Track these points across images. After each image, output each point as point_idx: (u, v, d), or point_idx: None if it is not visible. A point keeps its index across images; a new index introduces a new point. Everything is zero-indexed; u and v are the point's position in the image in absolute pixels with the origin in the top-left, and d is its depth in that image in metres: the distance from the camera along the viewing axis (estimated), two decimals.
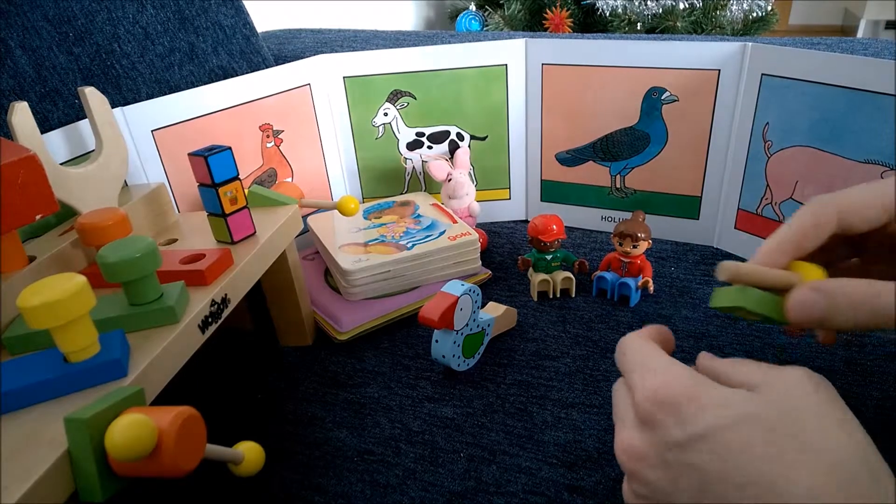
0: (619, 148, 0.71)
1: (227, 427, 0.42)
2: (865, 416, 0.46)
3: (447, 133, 0.76)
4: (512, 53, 0.71)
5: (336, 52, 0.72)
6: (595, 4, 1.65)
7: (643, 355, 0.32)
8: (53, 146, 0.51)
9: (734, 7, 1.64)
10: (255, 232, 0.50)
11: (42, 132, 0.46)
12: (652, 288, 0.61)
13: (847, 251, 0.36)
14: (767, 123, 0.62)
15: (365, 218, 0.70)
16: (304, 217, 0.71)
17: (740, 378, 0.29)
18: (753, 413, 0.26)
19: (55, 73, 0.58)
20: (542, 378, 0.52)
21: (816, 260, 0.33)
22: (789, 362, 0.52)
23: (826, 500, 0.23)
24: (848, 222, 0.31)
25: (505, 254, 0.72)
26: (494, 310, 0.57)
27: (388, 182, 0.78)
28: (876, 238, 0.33)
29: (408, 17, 2.25)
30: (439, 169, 0.72)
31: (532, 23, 1.82)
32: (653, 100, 0.67)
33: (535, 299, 0.63)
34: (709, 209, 0.70)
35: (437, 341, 0.52)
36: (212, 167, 0.46)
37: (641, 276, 0.60)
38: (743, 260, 0.31)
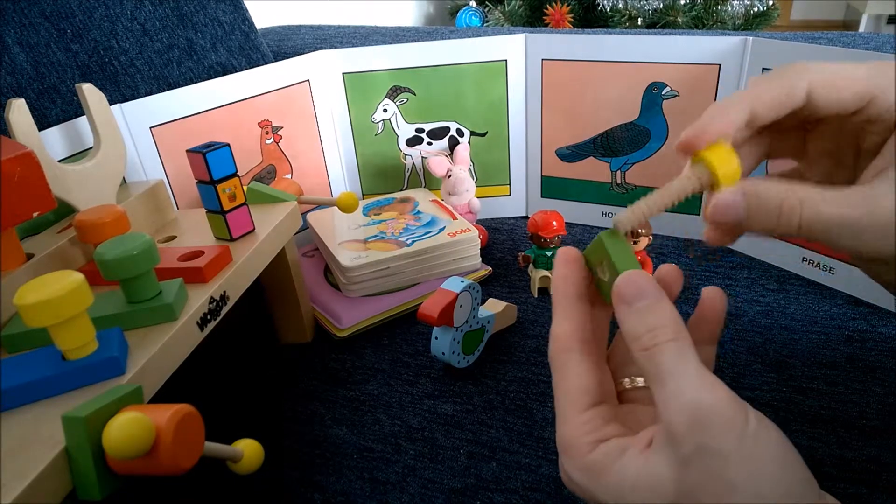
0: (619, 143, 0.71)
1: (225, 424, 0.42)
2: (867, 412, 0.46)
3: (447, 129, 0.75)
4: (512, 49, 0.71)
5: (335, 48, 0.72)
6: (595, 0, 1.65)
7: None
8: (51, 143, 0.51)
9: (735, 2, 1.63)
10: (254, 229, 0.50)
11: (40, 129, 0.46)
12: None
13: (790, 144, 0.31)
14: None
15: (364, 214, 0.69)
16: (304, 214, 0.70)
17: (670, 416, 0.24)
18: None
19: (53, 69, 0.58)
20: (542, 375, 0.52)
21: (757, 145, 0.30)
22: (790, 359, 0.52)
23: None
24: (817, 99, 0.26)
25: (505, 250, 0.72)
26: (494, 306, 0.57)
27: (387, 178, 0.78)
28: (827, 132, 0.29)
29: (408, 14, 2.24)
30: (439, 165, 0.71)
31: (532, 18, 1.81)
32: (653, 95, 0.67)
33: (536, 295, 0.63)
34: None
35: (436, 338, 0.52)
36: (210, 164, 0.46)
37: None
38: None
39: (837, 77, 0.26)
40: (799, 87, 0.26)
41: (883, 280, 0.28)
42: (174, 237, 0.51)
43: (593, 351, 0.29)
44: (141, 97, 0.58)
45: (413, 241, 0.62)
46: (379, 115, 0.74)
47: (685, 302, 0.60)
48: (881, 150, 0.26)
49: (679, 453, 0.23)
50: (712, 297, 0.31)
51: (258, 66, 0.68)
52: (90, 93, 0.49)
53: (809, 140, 0.30)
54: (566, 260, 0.29)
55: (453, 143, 0.76)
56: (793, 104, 0.26)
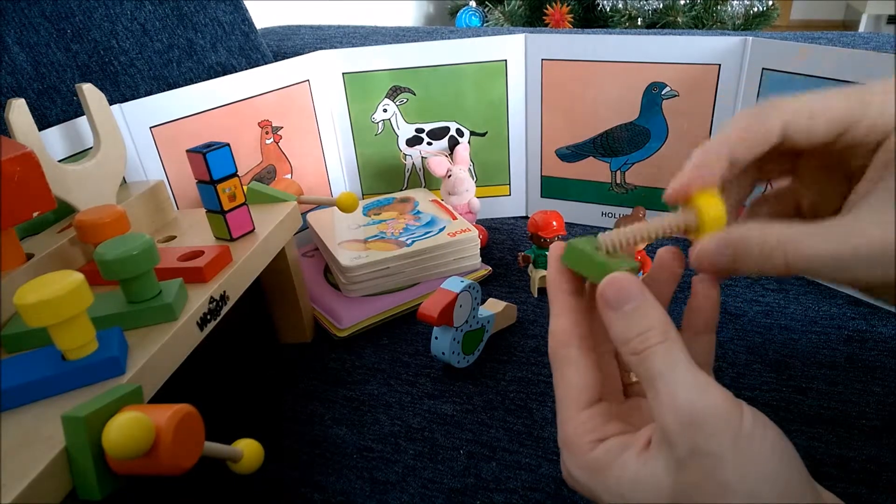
0: (619, 143, 0.71)
1: (225, 424, 0.42)
2: (867, 412, 0.46)
3: (447, 129, 0.75)
4: (511, 49, 0.71)
5: (335, 48, 0.72)
6: (595, 0, 1.65)
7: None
8: (51, 143, 0.51)
9: (735, 2, 1.63)
10: (253, 229, 0.50)
11: (40, 129, 0.46)
12: None
13: (781, 168, 0.31)
14: None
15: (364, 214, 0.69)
16: (304, 214, 0.70)
17: (663, 418, 0.24)
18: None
19: (53, 69, 0.58)
20: (542, 374, 0.52)
21: (747, 175, 0.30)
22: (789, 359, 0.52)
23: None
24: (793, 134, 0.26)
25: (505, 250, 0.72)
26: (494, 306, 0.57)
27: (387, 178, 0.78)
28: (815, 158, 0.29)
29: (408, 14, 2.24)
30: (439, 165, 0.71)
31: (532, 18, 1.81)
32: (653, 95, 0.67)
33: (536, 295, 0.63)
34: None
35: (436, 338, 0.52)
36: (210, 164, 0.46)
37: (641, 271, 0.60)
38: None
39: (811, 110, 0.26)
40: (773, 126, 0.26)
41: (884, 300, 0.28)
42: (174, 237, 0.51)
43: (591, 346, 0.29)
44: (141, 97, 0.58)
45: (413, 241, 0.62)
46: (379, 115, 0.74)
47: (686, 302, 0.60)
48: (865, 173, 0.26)
49: (674, 455, 0.23)
50: (704, 285, 0.30)
51: (258, 66, 0.68)
52: (90, 93, 0.49)
53: (800, 162, 0.30)
54: (560, 255, 0.29)
55: (453, 143, 0.76)
56: (768, 143, 0.27)
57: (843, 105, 0.26)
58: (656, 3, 1.59)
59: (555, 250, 0.29)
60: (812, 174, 0.30)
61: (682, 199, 0.28)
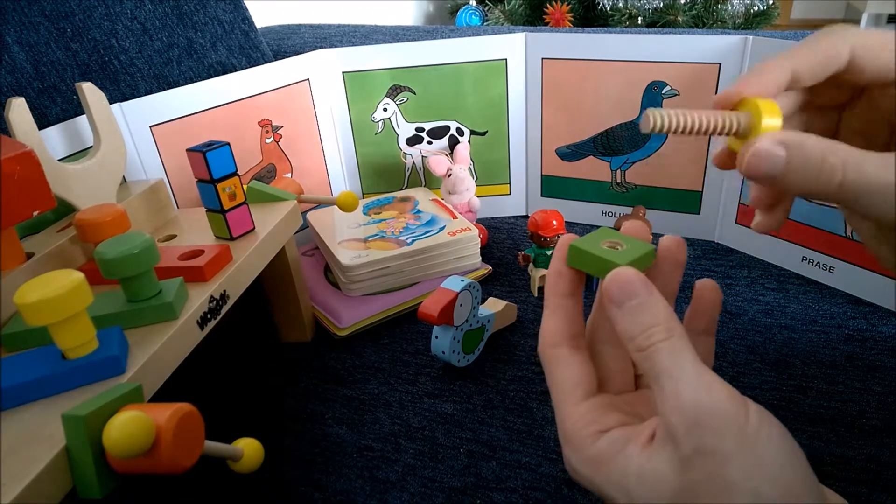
0: (619, 142, 0.71)
1: (225, 423, 0.42)
2: (867, 411, 0.46)
3: (447, 128, 0.75)
4: (512, 48, 0.71)
5: (335, 47, 0.71)
6: None
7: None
8: (51, 142, 0.51)
9: (735, 1, 1.63)
10: (254, 228, 0.50)
11: (40, 128, 0.46)
12: None
13: (838, 98, 0.30)
14: None
15: (364, 213, 0.69)
16: (304, 213, 0.70)
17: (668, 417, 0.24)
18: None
19: (53, 68, 0.57)
20: (542, 374, 0.52)
21: (794, 120, 0.29)
22: (790, 358, 0.52)
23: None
24: (859, 62, 0.26)
25: (505, 249, 0.72)
26: (494, 305, 0.57)
27: (387, 177, 0.78)
28: (859, 108, 0.28)
29: (408, 13, 2.24)
30: (439, 164, 0.71)
31: (532, 17, 1.81)
32: (653, 94, 0.67)
33: (536, 295, 0.63)
34: (710, 204, 0.70)
35: (436, 337, 0.52)
36: (210, 163, 0.45)
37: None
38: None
39: (881, 42, 0.25)
40: (842, 49, 0.26)
41: None
42: (174, 236, 0.51)
43: (582, 345, 0.29)
44: (141, 96, 0.58)
45: (413, 240, 0.62)
46: (379, 114, 0.74)
47: (686, 301, 0.60)
48: None
49: (679, 453, 0.23)
50: (706, 288, 0.31)
51: (258, 65, 0.68)
52: (90, 92, 0.49)
53: (843, 119, 0.30)
54: (564, 255, 0.29)
55: (453, 142, 0.76)
56: (835, 66, 0.26)
57: None
58: (656, 2, 1.59)
59: (560, 249, 0.29)
60: (853, 133, 0.30)
61: (733, 100, 0.26)
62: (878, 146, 0.28)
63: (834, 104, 0.30)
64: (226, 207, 0.47)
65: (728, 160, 0.28)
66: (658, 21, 1.61)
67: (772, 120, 0.25)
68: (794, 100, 0.29)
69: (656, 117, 0.26)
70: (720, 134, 0.26)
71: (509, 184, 0.79)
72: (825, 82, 0.27)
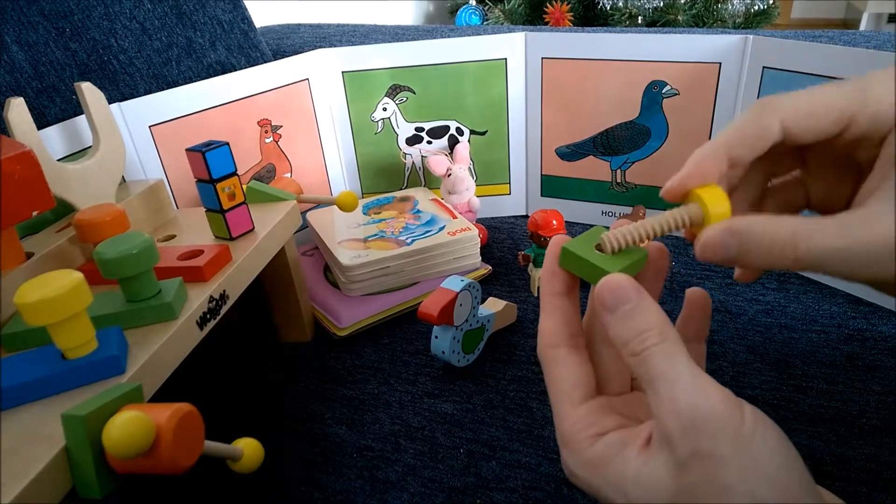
0: (619, 142, 0.71)
1: (225, 423, 0.42)
2: (867, 410, 0.46)
3: (447, 128, 0.75)
4: (511, 47, 0.71)
5: (335, 46, 0.71)
6: None
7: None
8: (50, 142, 0.51)
9: (735, 0, 1.63)
10: (253, 228, 0.50)
11: (39, 128, 0.46)
12: None
13: (789, 162, 0.31)
14: None
15: (364, 213, 0.69)
16: (303, 213, 0.70)
17: (664, 421, 0.24)
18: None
19: (52, 68, 0.57)
20: (541, 374, 0.52)
21: (758, 172, 0.29)
22: (790, 358, 0.52)
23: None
24: (793, 131, 0.26)
25: (505, 249, 0.72)
26: (494, 305, 0.57)
27: (387, 177, 0.78)
28: (821, 151, 0.29)
29: (407, 12, 2.24)
30: (439, 164, 0.71)
31: (532, 17, 1.81)
32: (653, 94, 0.67)
33: (535, 294, 0.63)
34: None
35: (436, 337, 0.51)
36: (209, 163, 0.45)
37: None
38: None
39: (810, 106, 0.26)
40: (771, 125, 0.26)
41: (891, 293, 0.28)
42: (173, 236, 0.51)
43: (581, 345, 0.29)
44: (140, 96, 0.58)
45: (413, 240, 0.62)
46: (378, 114, 0.74)
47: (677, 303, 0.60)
48: (874, 166, 0.26)
49: (675, 457, 0.23)
50: (696, 294, 0.31)
51: (257, 64, 0.68)
52: (89, 91, 0.49)
53: (808, 157, 0.30)
54: (556, 255, 0.29)
55: (453, 142, 0.76)
56: (768, 142, 0.26)
57: (843, 99, 0.25)
58: (656, 1, 1.59)
59: (552, 248, 0.29)
60: (821, 168, 0.30)
61: (679, 194, 0.27)
62: (848, 175, 0.29)
63: (788, 167, 0.30)
64: (225, 207, 0.47)
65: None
66: (658, 20, 1.61)
67: (718, 208, 0.26)
68: (751, 191, 0.30)
69: (612, 240, 0.27)
70: (676, 230, 0.28)
71: (509, 184, 0.79)
72: (771, 150, 0.27)
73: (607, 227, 0.29)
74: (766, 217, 0.25)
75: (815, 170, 0.30)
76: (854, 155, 0.27)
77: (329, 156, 0.74)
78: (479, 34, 0.72)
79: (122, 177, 0.53)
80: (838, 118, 0.25)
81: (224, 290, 0.43)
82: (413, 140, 0.76)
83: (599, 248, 0.28)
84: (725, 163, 0.27)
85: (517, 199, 0.79)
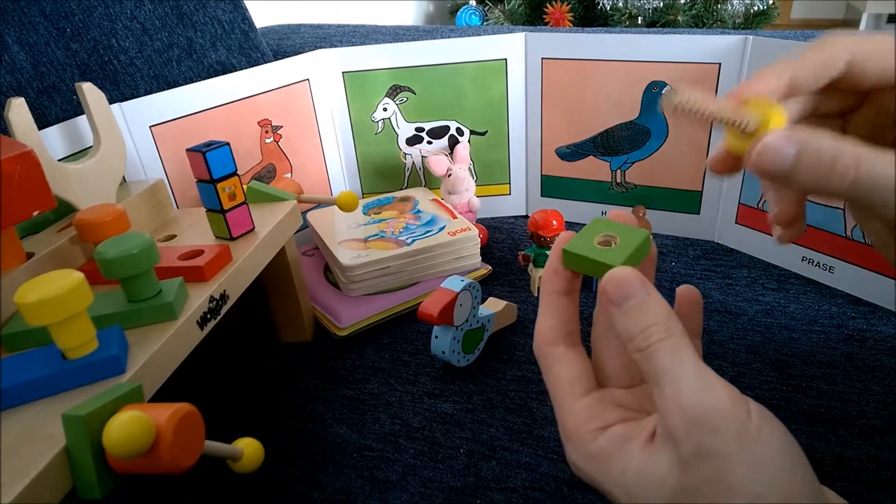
0: (619, 142, 0.71)
1: (225, 423, 0.42)
2: (867, 411, 0.46)
3: (447, 128, 0.75)
4: (511, 48, 0.71)
5: (335, 47, 0.71)
6: None
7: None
8: (51, 142, 0.51)
9: (735, 1, 1.63)
10: (253, 228, 0.50)
11: (39, 128, 0.46)
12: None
13: (842, 104, 0.30)
14: None
15: (364, 213, 0.69)
16: (304, 213, 0.70)
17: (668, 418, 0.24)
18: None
19: (52, 68, 0.57)
20: (541, 374, 0.52)
21: (808, 107, 0.28)
22: (789, 358, 0.52)
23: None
24: (858, 69, 0.26)
25: (505, 249, 0.72)
26: (494, 305, 0.57)
27: (387, 177, 0.78)
28: (863, 114, 0.29)
29: (407, 13, 2.24)
30: (439, 164, 0.71)
31: (532, 17, 1.81)
32: (653, 94, 0.67)
33: (536, 294, 0.63)
34: (710, 204, 0.70)
35: (436, 337, 0.52)
36: (210, 163, 0.45)
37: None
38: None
39: (879, 47, 0.26)
40: (839, 55, 0.26)
41: None
42: (174, 236, 0.51)
43: (578, 342, 0.29)
44: (140, 96, 0.58)
45: (413, 240, 0.62)
46: (379, 114, 0.74)
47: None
48: None
49: (679, 453, 0.23)
50: (687, 293, 0.31)
51: (258, 65, 0.68)
52: (90, 92, 0.49)
53: (848, 127, 0.30)
54: (560, 254, 0.29)
55: (453, 142, 0.76)
56: (833, 72, 0.26)
57: None
58: (656, 1, 1.59)
59: (557, 247, 0.29)
60: (870, 117, 0.29)
61: (736, 102, 0.26)
62: (891, 134, 0.28)
63: (838, 111, 0.30)
64: (225, 207, 0.47)
65: (726, 164, 0.28)
66: (658, 21, 1.61)
67: (777, 116, 0.25)
68: (798, 108, 0.29)
69: (683, 99, 0.25)
70: (733, 125, 0.26)
71: (509, 184, 0.79)
72: (827, 89, 0.27)
73: (605, 218, 0.29)
74: (831, 134, 0.24)
75: (861, 119, 0.30)
76: None
77: (329, 156, 0.74)
78: (479, 34, 0.72)
79: (123, 177, 0.53)
80: None
81: (224, 290, 0.43)
82: (413, 140, 0.76)
83: (603, 242, 0.28)
84: (787, 81, 0.26)
85: (517, 199, 0.79)
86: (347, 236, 0.64)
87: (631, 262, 0.27)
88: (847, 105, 0.30)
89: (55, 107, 0.57)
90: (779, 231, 0.31)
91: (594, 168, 0.74)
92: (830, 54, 0.26)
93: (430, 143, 0.76)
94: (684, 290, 0.31)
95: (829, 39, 0.26)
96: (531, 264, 0.64)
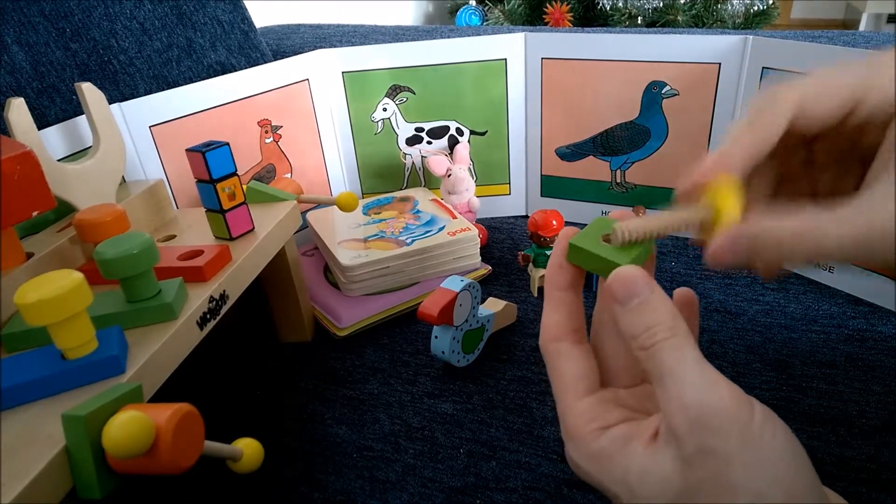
0: (619, 142, 0.71)
1: (225, 424, 0.42)
2: (867, 411, 0.46)
3: (446, 128, 0.75)
4: (511, 48, 0.71)
5: (335, 47, 0.71)
6: None
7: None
8: (51, 142, 0.51)
9: (735, 1, 1.63)
10: (253, 228, 0.50)
11: (39, 128, 0.46)
12: None
13: (797, 157, 0.31)
14: None
15: (364, 214, 0.69)
16: (303, 213, 0.70)
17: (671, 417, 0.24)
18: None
19: (52, 69, 0.57)
20: (541, 374, 0.52)
21: (767, 169, 0.29)
22: (789, 358, 0.52)
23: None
24: (806, 115, 0.26)
25: (505, 249, 0.72)
26: (494, 305, 0.57)
27: (387, 177, 0.78)
28: (828, 141, 0.29)
29: (407, 13, 2.24)
30: (439, 164, 0.71)
31: (532, 17, 1.81)
32: (653, 94, 0.67)
33: (535, 294, 0.63)
34: None
35: (436, 337, 0.52)
36: (210, 163, 0.45)
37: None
38: None
39: (815, 92, 0.26)
40: (780, 115, 0.26)
41: None
42: (174, 236, 0.51)
43: (584, 339, 0.29)
44: (140, 96, 0.58)
45: (413, 241, 0.62)
46: (378, 114, 0.74)
47: None
48: (878, 151, 0.26)
49: (682, 453, 0.23)
50: (684, 296, 0.31)
51: (258, 65, 0.68)
52: (89, 92, 0.49)
53: (815, 151, 0.30)
54: (564, 248, 0.29)
55: (453, 142, 0.76)
56: (775, 136, 0.27)
57: (848, 82, 0.26)
58: (656, 1, 1.59)
59: (560, 242, 0.29)
60: (827, 162, 0.30)
61: (698, 190, 0.27)
62: (853, 168, 0.29)
63: (802, 144, 0.30)
64: (225, 207, 0.47)
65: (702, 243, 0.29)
66: (658, 21, 1.61)
67: (728, 212, 0.26)
68: (761, 169, 0.30)
69: (623, 234, 0.27)
70: (687, 229, 0.28)
71: (509, 184, 0.79)
72: (780, 142, 0.27)
73: (608, 218, 0.29)
74: (773, 218, 0.25)
75: (822, 164, 0.30)
76: (860, 143, 0.27)
77: (329, 156, 0.74)
78: (479, 34, 0.72)
79: (123, 177, 0.53)
80: (845, 102, 0.26)
81: (224, 291, 0.43)
82: (413, 140, 0.76)
83: (607, 238, 0.28)
84: (739, 161, 0.27)
85: (517, 199, 0.79)
86: (347, 236, 0.64)
87: (637, 261, 0.27)
88: (801, 154, 0.30)
89: (55, 107, 0.57)
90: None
91: (594, 168, 0.74)
92: (769, 121, 0.27)
93: (429, 143, 0.76)
94: (681, 293, 0.31)
95: (770, 95, 0.27)
96: (531, 264, 0.64)
